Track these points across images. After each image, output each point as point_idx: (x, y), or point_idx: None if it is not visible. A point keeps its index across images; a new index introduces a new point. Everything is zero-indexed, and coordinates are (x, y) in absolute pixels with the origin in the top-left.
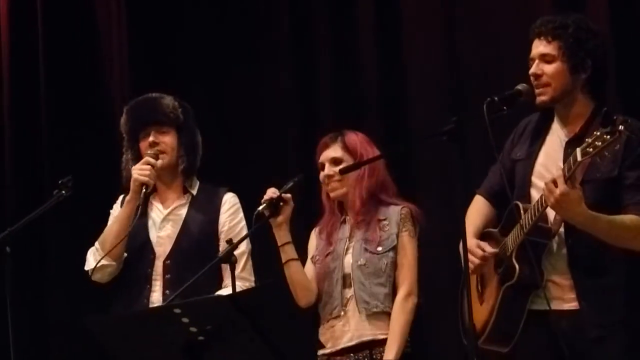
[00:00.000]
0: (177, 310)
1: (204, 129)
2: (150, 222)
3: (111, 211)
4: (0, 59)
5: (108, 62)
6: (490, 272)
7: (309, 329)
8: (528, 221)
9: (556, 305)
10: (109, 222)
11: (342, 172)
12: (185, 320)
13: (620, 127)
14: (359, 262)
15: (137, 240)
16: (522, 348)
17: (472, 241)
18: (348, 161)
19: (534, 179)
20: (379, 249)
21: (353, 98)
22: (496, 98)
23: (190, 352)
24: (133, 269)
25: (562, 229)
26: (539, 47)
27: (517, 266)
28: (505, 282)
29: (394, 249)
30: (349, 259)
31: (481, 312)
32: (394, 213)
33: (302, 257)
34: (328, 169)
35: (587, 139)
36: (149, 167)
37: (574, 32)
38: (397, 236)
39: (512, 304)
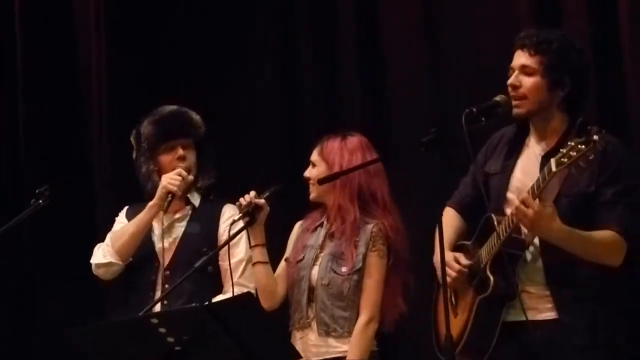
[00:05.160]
0: (154, 321)
1: None
2: (153, 231)
3: (117, 218)
4: None
5: (86, 65)
6: (464, 284)
7: (286, 338)
8: (502, 233)
9: (531, 316)
10: (115, 228)
11: (320, 182)
12: (162, 330)
13: (595, 137)
14: (323, 282)
15: (142, 248)
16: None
17: (448, 254)
18: (320, 167)
19: (509, 194)
20: (343, 269)
21: (335, 101)
22: (474, 109)
23: None
24: (138, 276)
25: (536, 240)
26: (521, 58)
27: (491, 278)
28: (480, 294)
29: (359, 271)
30: (315, 272)
31: (455, 324)
32: (366, 232)
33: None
34: (308, 171)
35: (561, 150)
36: (180, 178)
37: (557, 49)
38: (365, 256)
39: (486, 316)
